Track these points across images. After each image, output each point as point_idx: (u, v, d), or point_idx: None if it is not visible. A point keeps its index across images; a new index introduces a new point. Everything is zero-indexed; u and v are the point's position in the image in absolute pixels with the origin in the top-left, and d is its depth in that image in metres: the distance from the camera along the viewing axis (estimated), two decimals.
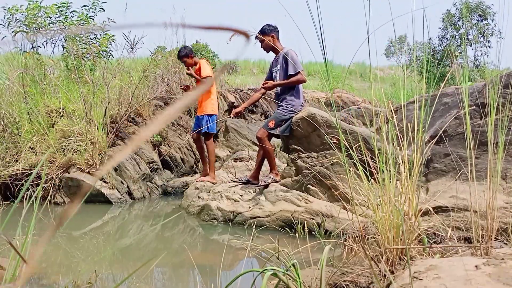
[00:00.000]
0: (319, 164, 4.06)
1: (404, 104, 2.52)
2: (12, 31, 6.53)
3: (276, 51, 4.47)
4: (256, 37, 4.43)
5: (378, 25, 2.04)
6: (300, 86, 4.48)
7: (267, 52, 4.53)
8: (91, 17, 6.86)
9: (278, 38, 4.47)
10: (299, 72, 4.29)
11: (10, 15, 6.49)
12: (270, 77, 4.62)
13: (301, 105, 4.48)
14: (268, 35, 4.40)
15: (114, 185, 5.44)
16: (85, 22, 6.71)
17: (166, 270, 3.19)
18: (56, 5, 6.68)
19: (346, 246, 2.69)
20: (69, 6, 6.75)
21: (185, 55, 5.29)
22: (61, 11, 6.69)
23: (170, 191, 6.22)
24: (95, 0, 6.83)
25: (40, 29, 6.42)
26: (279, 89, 4.50)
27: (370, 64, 2.17)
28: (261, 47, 4.49)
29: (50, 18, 6.63)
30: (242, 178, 4.70)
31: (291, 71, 4.31)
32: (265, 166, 4.93)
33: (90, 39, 6.78)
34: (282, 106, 4.44)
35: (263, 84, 4.51)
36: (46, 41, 6.85)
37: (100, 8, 6.85)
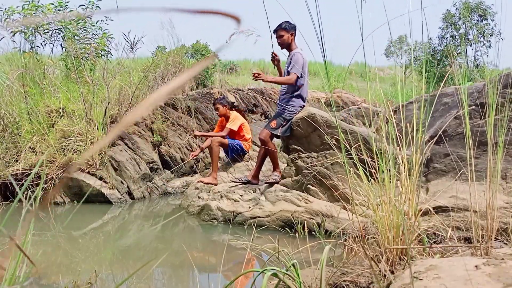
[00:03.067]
0: (319, 164, 4.06)
1: (402, 104, 2.53)
2: (11, 32, 6.53)
3: (289, 50, 4.48)
4: (275, 31, 4.42)
5: (378, 23, 2.04)
6: (304, 88, 4.48)
7: (282, 48, 4.51)
8: (89, 16, 6.87)
9: (294, 37, 4.48)
10: (293, 72, 4.30)
11: (7, 16, 6.50)
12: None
13: (301, 106, 4.49)
14: (288, 32, 4.40)
15: (114, 185, 5.44)
16: (83, 22, 6.72)
17: (166, 270, 3.19)
18: (53, 4, 6.68)
19: (346, 246, 2.69)
20: (66, 6, 6.75)
21: (219, 102, 5.61)
22: (58, 10, 6.69)
23: (170, 191, 6.22)
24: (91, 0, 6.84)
25: (38, 28, 6.42)
26: (283, 89, 4.50)
27: (366, 64, 2.18)
28: (278, 42, 4.45)
29: (48, 16, 6.63)
30: (242, 178, 4.70)
31: (287, 68, 4.37)
32: (265, 166, 4.93)
33: (88, 38, 6.78)
34: (283, 106, 4.46)
35: (254, 75, 4.32)
36: (44, 41, 6.85)
37: (96, 7, 6.85)
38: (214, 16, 0.41)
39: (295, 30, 4.44)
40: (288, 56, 4.48)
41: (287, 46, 4.45)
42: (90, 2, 6.84)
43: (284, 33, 4.39)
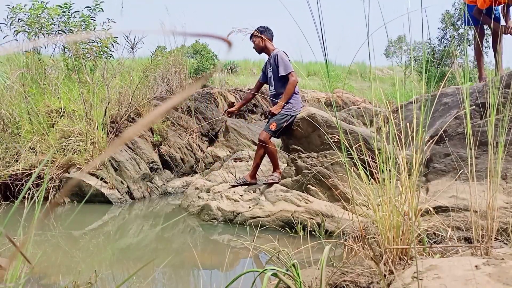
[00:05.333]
0: (319, 164, 4.06)
1: (401, 104, 2.53)
2: (14, 31, 6.52)
3: (268, 52, 4.58)
4: (250, 38, 4.56)
5: (378, 24, 2.04)
6: (296, 86, 4.51)
7: (259, 53, 4.63)
8: (93, 17, 6.86)
9: (270, 39, 4.56)
10: (290, 73, 4.37)
11: (13, 14, 6.49)
12: (264, 77, 4.73)
13: (301, 106, 4.51)
14: (257, 36, 4.50)
15: (114, 185, 5.44)
16: (86, 23, 6.70)
17: (166, 270, 3.19)
18: (60, 6, 6.68)
19: (346, 246, 2.69)
20: (71, 7, 6.74)
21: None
22: (63, 12, 6.69)
23: (170, 191, 6.22)
24: (97, 1, 6.83)
25: (42, 29, 6.42)
26: (274, 90, 4.54)
27: (370, 64, 2.17)
28: (253, 47, 4.61)
29: (53, 19, 6.63)
30: (240, 180, 4.69)
31: (281, 72, 4.39)
32: (265, 166, 4.92)
33: (92, 40, 6.78)
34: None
35: (270, 112, 4.51)
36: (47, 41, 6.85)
37: (100, 9, 6.85)
38: (209, 39, 0.46)
39: (269, 32, 4.56)
40: (269, 59, 4.53)
41: (261, 49, 4.56)
42: (96, 4, 6.83)
43: (255, 38, 4.51)
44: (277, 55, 4.40)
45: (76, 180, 5.33)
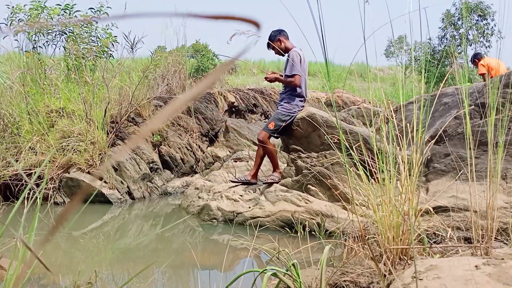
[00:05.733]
0: (319, 164, 4.06)
1: (403, 104, 2.53)
2: (14, 30, 6.51)
3: (287, 51, 4.59)
4: (268, 47, 4.58)
5: (379, 24, 2.04)
6: (303, 87, 4.51)
7: (283, 55, 4.62)
8: (95, 19, 6.84)
9: (287, 38, 4.58)
10: (293, 75, 4.37)
11: (13, 14, 6.48)
12: None
13: (300, 106, 4.50)
14: (275, 41, 4.51)
15: (114, 185, 5.44)
16: (88, 23, 6.69)
17: (166, 270, 3.19)
18: (60, 5, 6.67)
19: (346, 246, 2.69)
20: (72, 7, 6.73)
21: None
22: (65, 11, 6.67)
23: (170, 191, 6.22)
24: (101, 4, 6.82)
25: (42, 29, 6.40)
26: (283, 89, 4.58)
27: (367, 64, 2.18)
28: (275, 54, 4.61)
29: (52, 19, 6.61)
30: (241, 178, 4.70)
31: (287, 72, 4.45)
32: (265, 166, 4.92)
33: (92, 40, 6.77)
34: (282, 105, 4.49)
35: (266, 74, 4.65)
36: (47, 41, 6.84)
37: (104, 13, 6.83)
38: (231, 22, 0.37)
39: (283, 33, 4.56)
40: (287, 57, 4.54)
41: (283, 51, 4.54)
42: (100, 6, 6.82)
43: (274, 44, 4.50)
44: (289, 54, 4.44)
45: (89, 186, 5.33)
